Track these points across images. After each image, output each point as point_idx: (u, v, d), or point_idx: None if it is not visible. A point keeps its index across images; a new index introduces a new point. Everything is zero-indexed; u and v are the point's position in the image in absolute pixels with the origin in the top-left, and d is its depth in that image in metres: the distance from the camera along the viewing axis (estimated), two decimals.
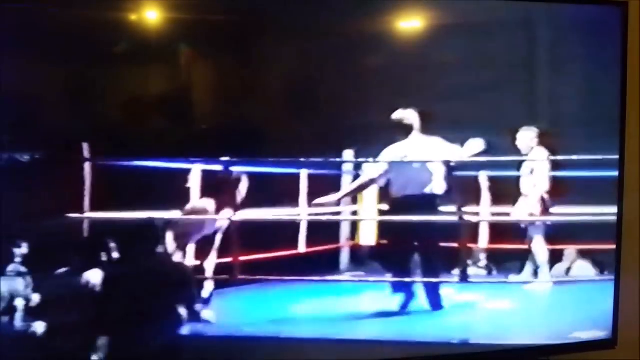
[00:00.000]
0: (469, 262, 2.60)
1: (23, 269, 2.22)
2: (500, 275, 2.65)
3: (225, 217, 2.40)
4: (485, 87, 2.45)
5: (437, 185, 2.53)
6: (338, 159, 2.47)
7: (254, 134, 2.36)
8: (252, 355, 2.33)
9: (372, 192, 2.52)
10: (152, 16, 2.24)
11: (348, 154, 2.47)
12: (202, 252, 2.39)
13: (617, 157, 2.51)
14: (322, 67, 2.39)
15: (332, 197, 2.46)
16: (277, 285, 2.45)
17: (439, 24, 2.43)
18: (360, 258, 2.55)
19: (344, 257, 2.55)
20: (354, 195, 2.54)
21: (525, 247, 2.62)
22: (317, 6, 2.36)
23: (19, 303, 2.23)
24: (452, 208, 2.53)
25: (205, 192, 2.37)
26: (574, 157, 2.51)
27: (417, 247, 2.51)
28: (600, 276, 2.63)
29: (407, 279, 2.52)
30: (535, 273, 2.62)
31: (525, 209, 2.60)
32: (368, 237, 2.53)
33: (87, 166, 2.26)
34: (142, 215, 2.25)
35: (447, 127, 2.44)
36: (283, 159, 2.40)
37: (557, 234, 2.62)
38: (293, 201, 2.43)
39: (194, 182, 2.35)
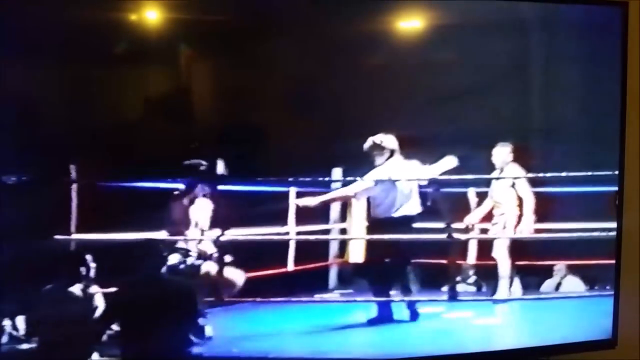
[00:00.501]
0: (458, 278, 2.60)
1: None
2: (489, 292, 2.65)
3: (213, 237, 2.39)
4: (482, 90, 2.44)
5: (420, 204, 2.55)
6: (327, 178, 2.46)
7: (244, 151, 2.35)
8: None
9: (360, 210, 2.51)
10: (151, 16, 2.23)
11: (337, 172, 2.46)
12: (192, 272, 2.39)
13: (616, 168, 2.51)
14: (317, 79, 2.38)
15: (311, 200, 2.45)
16: (264, 304, 2.44)
17: (432, 36, 2.43)
18: (349, 276, 2.54)
19: (333, 276, 2.54)
20: (331, 203, 2.52)
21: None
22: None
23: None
24: (440, 225, 2.53)
25: (193, 211, 2.37)
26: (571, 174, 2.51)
27: (404, 264, 2.53)
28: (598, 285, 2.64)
29: (394, 297, 2.53)
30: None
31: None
32: (357, 255, 2.52)
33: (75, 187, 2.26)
34: (130, 236, 2.24)
35: (439, 138, 2.44)
36: (272, 177, 2.39)
37: (548, 249, 2.61)
38: (282, 219, 2.43)
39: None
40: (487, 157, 2.53)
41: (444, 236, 2.53)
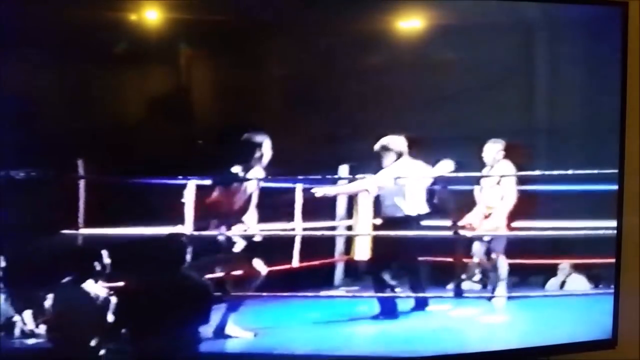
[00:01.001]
0: (464, 276, 2.61)
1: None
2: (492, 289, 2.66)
3: (220, 233, 2.41)
4: (483, 90, 2.46)
5: (426, 203, 2.57)
6: (334, 174, 2.49)
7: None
8: None
9: (366, 208, 2.53)
10: (151, 16, 2.24)
11: (343, 169, 2.48)
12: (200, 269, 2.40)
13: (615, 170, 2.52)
14: (321, 77, 2.40)
15: (330, 190, 2.47)
16: (270, 299, 2.45)
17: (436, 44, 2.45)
18: (355, 273, 2.56)
19: (339, 272, 2.56)
20: (348, 194, 2.54)
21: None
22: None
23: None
24: (446, 223, 2.56)
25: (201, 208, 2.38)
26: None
27: (409, 262, 2.55)
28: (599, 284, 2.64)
29: (399, 294, 2.55)
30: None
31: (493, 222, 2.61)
32: (363, 252, 2.54)
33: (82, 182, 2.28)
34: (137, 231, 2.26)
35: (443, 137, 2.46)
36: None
37: (550, 248, 2.63)
38: (288, 216, 2.44)
39: (189, 198, 2.36)
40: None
41: (449, 234, 2.54)
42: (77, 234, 2.27)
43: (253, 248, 2.41)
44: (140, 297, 2.30)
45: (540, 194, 2.59)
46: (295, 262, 2.46)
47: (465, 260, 2.62)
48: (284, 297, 2.45)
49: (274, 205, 2.45)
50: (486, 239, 2.61)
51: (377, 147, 2.46)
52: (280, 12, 2.32)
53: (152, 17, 2.24)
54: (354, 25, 2.36)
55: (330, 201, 2.51)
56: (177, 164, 2.31)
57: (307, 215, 2.44)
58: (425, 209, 2.57)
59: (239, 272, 2.42)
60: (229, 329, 2.38)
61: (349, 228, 2.55)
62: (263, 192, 2.41)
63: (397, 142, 2.48)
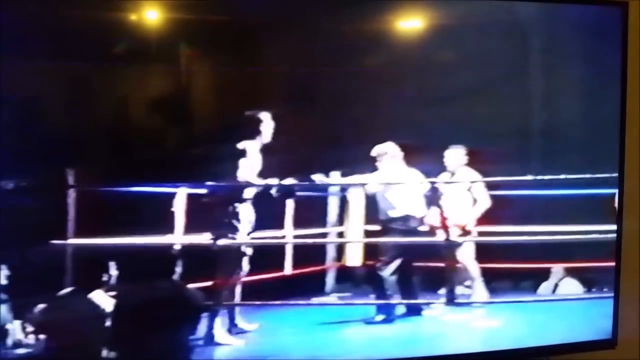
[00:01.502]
0: (456, 281, 2.60)
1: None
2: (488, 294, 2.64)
3: (209, 241, 2.40)
4: (483, 90, 2.43)
5: (418, 208, 2.56)
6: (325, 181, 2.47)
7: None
8: None
9: (357, 214, 2.51)
10: (151, 16, 2.22)
11: (334, 176, 2.46)
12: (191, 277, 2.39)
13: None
14: (316, 79, 2.37)
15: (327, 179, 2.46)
16: (262, 307, 2.46)
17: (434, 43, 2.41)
18: (347, 279, 2.55)
19: (330, 279, 2.55)
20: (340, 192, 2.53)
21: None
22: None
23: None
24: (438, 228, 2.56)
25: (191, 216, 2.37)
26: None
27: (402, 267, 2.54)
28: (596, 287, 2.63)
29: (392, 300, 2.54)
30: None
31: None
32: (354, 258, 2.53)
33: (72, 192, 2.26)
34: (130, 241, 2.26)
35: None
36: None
37: (547, 252, 2.60)
38: (279, 223, 2.43)
39: (179, 207, 2.35)
40: None
41: (441, 239, 2.54)
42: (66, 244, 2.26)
43: (245, 255, 2.41)
44: (130, 307, 2.30)
45: (539, 198, 2.56)
46: (287, 270, 2.45)
47: (457, 265, 2.60)
48: (276, 305, 2.45)
49: (267, 212, 2.43)
50: (479, 243, 2.59)
51: (373, 152, 2.43)
52: (280, 12, 2.29)
53: (152, 17, 2.22)
54: (354, 25, 2.33)
55: (321, 207, 2.49)
56: (171, 169, 2.29)
57: (298, 222, 2.42)
58: (417, 213, 2.56)
59: (230, 280, 2.42)
60: (220, 337, 2.39)
61: (340, 235, 2.53)
62: (257, 197, 2.39)
63: (390, 146, 2.45)
